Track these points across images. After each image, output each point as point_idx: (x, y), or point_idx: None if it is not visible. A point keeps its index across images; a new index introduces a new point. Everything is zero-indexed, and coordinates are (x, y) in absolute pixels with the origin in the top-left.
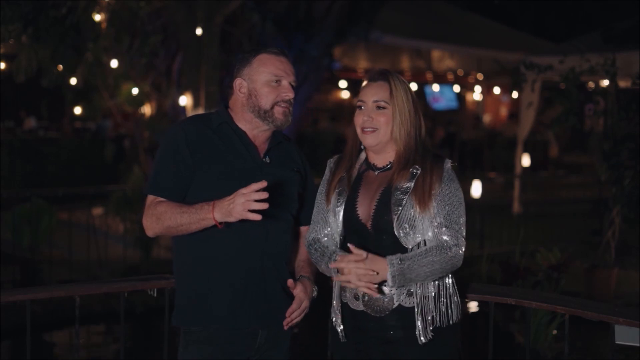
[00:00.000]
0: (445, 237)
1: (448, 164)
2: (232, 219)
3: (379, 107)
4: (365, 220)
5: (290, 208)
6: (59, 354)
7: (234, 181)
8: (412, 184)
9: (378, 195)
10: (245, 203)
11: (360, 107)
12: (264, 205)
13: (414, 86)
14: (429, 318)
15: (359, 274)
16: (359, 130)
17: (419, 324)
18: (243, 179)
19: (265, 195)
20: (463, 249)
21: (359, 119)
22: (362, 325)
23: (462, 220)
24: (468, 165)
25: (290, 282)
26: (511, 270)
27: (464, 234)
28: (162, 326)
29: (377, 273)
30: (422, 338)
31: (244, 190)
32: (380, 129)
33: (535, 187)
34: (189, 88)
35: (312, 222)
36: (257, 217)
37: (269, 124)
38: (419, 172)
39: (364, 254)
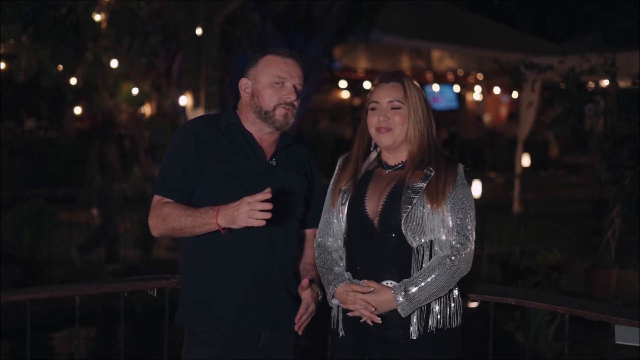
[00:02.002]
0: (453, 244)
1: (461, 168)
2: (235, 226)
3: (394, 107)
4: (372, 216)
5: (295, 211)
6: (59, 354)
7: (240, 183)
8: (425, 184)
9: (387, 193)
10: (250, 212)
11: (373, 108)
12: (268, 215)
13: None
14: (432, 319)
15: (365, 306)
16: (372, 131)
17: (414, 319)
18: (249, 181)
19: (269, 205)
20: (470, 255)
21: (374, 120)
22: (362, 324)
23: (472, 226)
24: (468, 166)
25: (305, 281)
26: (511, 270)
27: (473, 240)
28: (162, 326)
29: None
30: (414, 336)
31: (249, 199)
32: (395, 128)
33: (535, 187)
34: (189, 88)
35: (320, 223)
36: (261, 223)
37: (270, 126)
38: (432, 173)
39: (372, 287)
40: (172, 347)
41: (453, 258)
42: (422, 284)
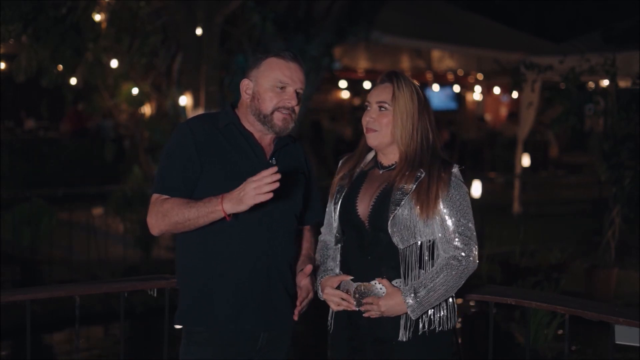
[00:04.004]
0: (457, 244)
1: (456, 168)
2: (243, 207)
3: (380, 108)
4: (363, 217)
5: (294, 210)
6: (59, 354)
7: (240, 182)
8: (414, 185)
9: (377, 193)
10: (257, 188)
11: (366, 107)
12: (276, 185)
13: None
14: (424, 320)
15: (381, 310)
16: (364, 130)
17: (405, 320)
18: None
19: (278, 176)
20: (475, 254)
21: (364, 119)
22: (356, 323)
23: (472, 225)
24: (468, 165)
25: (309, 268)
26: (511, 270)
27: (475, 238)
28: (162, 326)
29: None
30: (403, 337)
31: (254, 178)
32: (381, 129)
33: (535, 187)
34: (189, 88)
35: (324, 221)
36: (269, 196)
37: (268, 129)
38: (423, 175)
39: (384, 285)
40: (172, 347)
41: (460, 258)
42: (431, 285)
